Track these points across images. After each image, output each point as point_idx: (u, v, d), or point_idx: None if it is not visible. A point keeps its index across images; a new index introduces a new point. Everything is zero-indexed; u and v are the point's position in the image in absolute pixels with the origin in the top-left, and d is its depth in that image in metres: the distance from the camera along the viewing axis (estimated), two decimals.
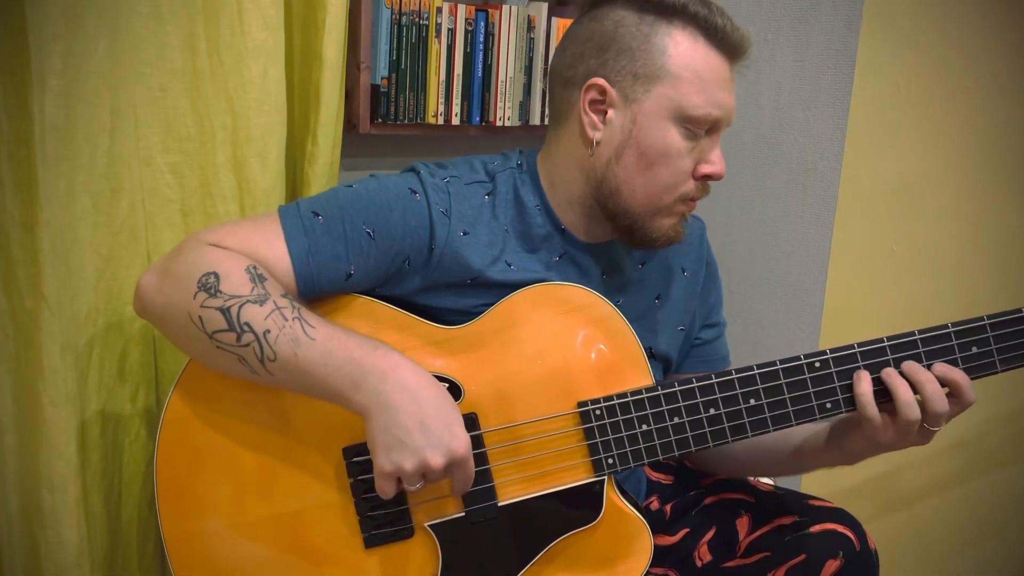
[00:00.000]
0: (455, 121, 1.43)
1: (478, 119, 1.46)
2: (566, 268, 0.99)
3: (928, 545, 1.52)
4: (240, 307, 0.82)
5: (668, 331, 1.07)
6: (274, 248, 0.88)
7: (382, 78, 1.32)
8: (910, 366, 0.88)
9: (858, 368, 0.89)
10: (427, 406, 0.81)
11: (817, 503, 1.03)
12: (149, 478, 1.08)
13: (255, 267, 0.85)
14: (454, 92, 1.41)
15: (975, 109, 1.38)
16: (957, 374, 0.88)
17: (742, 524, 1.05)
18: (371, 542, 0.91)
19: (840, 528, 0.98)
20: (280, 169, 1.15)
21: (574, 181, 0.96)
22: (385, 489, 0.83)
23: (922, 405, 0.87)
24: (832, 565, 0.96)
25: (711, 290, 1.12)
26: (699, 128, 0.91)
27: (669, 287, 1.07)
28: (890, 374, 0.88)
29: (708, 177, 0.93)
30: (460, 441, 0.82)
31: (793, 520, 1.02)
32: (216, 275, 0.83)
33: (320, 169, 1.21)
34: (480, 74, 1.44)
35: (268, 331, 0.82)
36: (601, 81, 0.91)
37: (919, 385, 0.87)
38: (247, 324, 0.82)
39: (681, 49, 0.89)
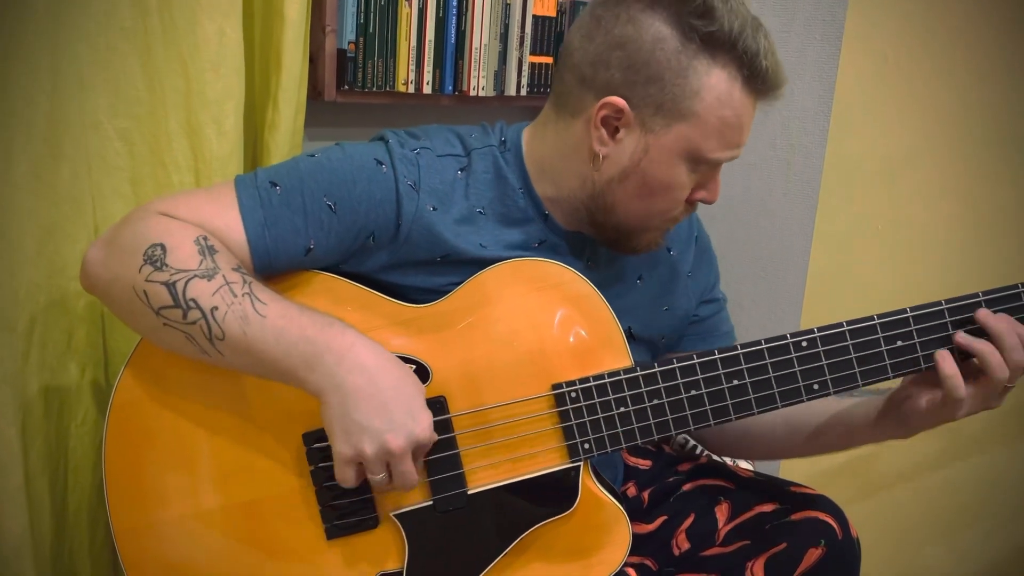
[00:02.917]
0: (426, 90, 1.37)
1: (451, 88, 1.40)
2: (546, 255, 0.94)
3: (906, 530, 1.51)
4: (187, 282, 0.77)
5: (651, 311, 1.02)
6: (228, 219, 0.83)
7: (349, 42, 1.26)
8: (986, 317, 0.83)
9: (846, 346, 0.85)
10: (387, 388, 0.77)
11: (799, 490, 1.01)
12: (99, 463, 1.01)
13: (205, 238, 0.80)
14: (425, 59, 1.36)
15: (965, 82, 1.36)
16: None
17: (721, 511, 1.03)
18: (333, 533, 0.87)
19: (822, 516, 0.96)
20: (238, 136, 1.09)
21: (568, 183, 0.92)
22: (345, 476, 0.79)
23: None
24: (814, 554, 0.94)
25: (703, 267, 1.08)
26: (710, 168, 0.88)
27: (653, 267, 1.03)
28: (968, 340, 0.84)
29: (701, 201, 0.92)
30: (423, 424, 0.78)
31: (774, 507, 0.99)
32: (163, 247, 0.78)
33: (282, 137, 1.15)
34: (453, 41, 1.38)
35: (216, 308, 0.77)
36: (621, 102, 0.85)
37: (999, 338, 0.83)
38: (193, 300, 0.77)
39: (715, 93, 0.83)
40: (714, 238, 1.10)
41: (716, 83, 0.83)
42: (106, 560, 1.06)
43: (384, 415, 0.77)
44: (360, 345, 0.78)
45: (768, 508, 0.99)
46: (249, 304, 0.78)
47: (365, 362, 0.77)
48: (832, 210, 1.53)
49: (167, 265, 0.78)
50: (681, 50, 0.83)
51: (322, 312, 0.81)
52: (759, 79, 0.84)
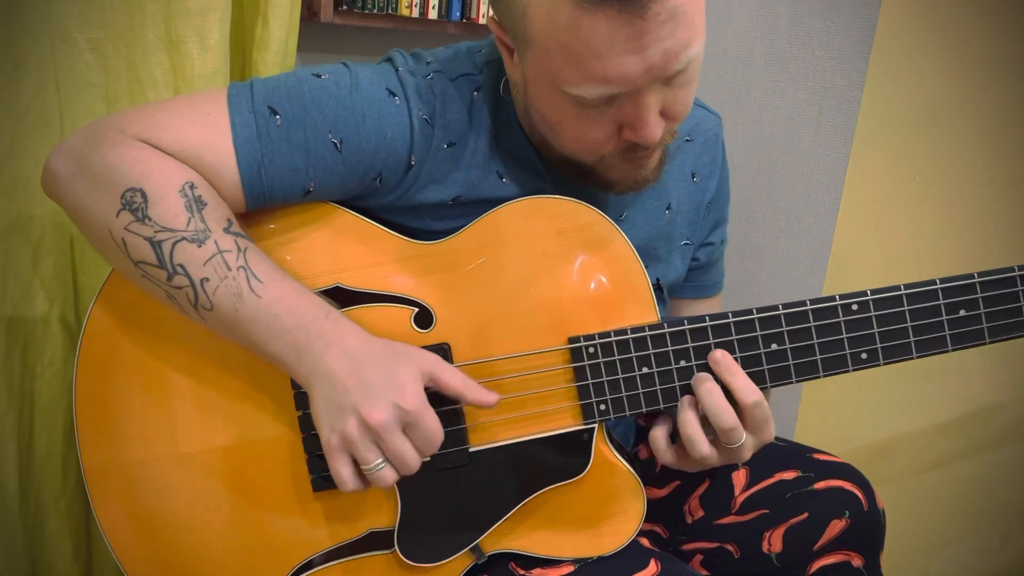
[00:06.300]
0: (432, 15, 1.28)
1: (458, 15, 1.31)
2: (561, 183, 0.85)
3: (930, 514, 1.45)
4: (174, 244, 0.70)
5: (677, 247, 0.95)
6: (219, 153, 0.74)
7: None
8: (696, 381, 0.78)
9: (902, 312, 0.77)
10: (369, 365, 0.71)
11: (822, 457, 0.96)
12: (70, 408, 0.95)
13: (192, 187, 0.72)
14: None
15: (1018, 24, 1.25)
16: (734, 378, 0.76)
17: (738, 478, 0.97)
18: (320, 484, 0.80)
19: (847, 485, 0.92)
20: (223, 53, 1.00)
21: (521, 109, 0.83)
22: (341, 474, 0.71)
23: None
24: (837, 526, 0.90)
25: (721, 201, 0.99)
26: (591, 103, 0.71)
27: (679, 195, 0.94)
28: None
29: (634, 145, 0.75)
30: (408, 394, 0.70)
31: (796, 475, 0.94)
32: (143, 195, 0.70)
33: (272, 58, 1.06)
34: None
35: (207, 279, 0.71)
36: (496, 25, 0.75)
37: (700, 397, 0.77)
38: (181, 266, 0.71)
39: (542, 13, 0.67)
40: (735, 187, 1.02)
41: (540, 2, 0.67)
42: (77, 511, 0.99)
43: (361, 389, 0.70)
44: (352, 334, 0.72)
45: (789, 476, 0.94)
46: (244, 281, 0.71)
47: (351, 347, 0.71)
48: (866, 160, 1.44)
49: (149, 219, 0.70)
50: None
51: (320, 298, 0.74)
52: None
